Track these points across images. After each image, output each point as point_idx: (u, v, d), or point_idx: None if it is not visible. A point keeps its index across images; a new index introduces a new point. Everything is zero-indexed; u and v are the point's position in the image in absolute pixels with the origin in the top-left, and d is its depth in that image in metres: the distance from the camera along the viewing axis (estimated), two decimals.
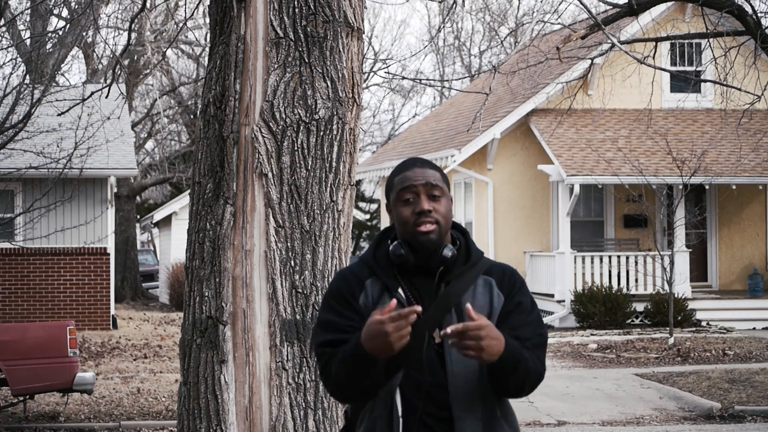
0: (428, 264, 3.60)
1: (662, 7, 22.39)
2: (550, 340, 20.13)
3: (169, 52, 38.16)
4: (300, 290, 5.06)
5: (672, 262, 19.43)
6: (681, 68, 23.77)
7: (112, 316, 22.95)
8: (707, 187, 22.57)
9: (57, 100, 15.45)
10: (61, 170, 16.84)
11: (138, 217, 40.90)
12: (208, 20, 6.05)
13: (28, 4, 21.30)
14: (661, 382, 15.28)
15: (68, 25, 20.39)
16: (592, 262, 22.74)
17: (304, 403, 5.03)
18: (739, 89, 11.78)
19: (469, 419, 3.51)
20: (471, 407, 3.52)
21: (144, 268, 39.74)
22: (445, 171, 24.36)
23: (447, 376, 3.51)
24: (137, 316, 27.30)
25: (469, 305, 3.46)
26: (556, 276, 22.61)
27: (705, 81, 13.56)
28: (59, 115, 12.01)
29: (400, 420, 3.49)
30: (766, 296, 23.37)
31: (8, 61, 17.12)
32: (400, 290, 3.58)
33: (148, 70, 36.34)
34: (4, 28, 18.00)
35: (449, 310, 3.55)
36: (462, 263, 3.63)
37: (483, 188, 24.37)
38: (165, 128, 42.36)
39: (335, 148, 5.17)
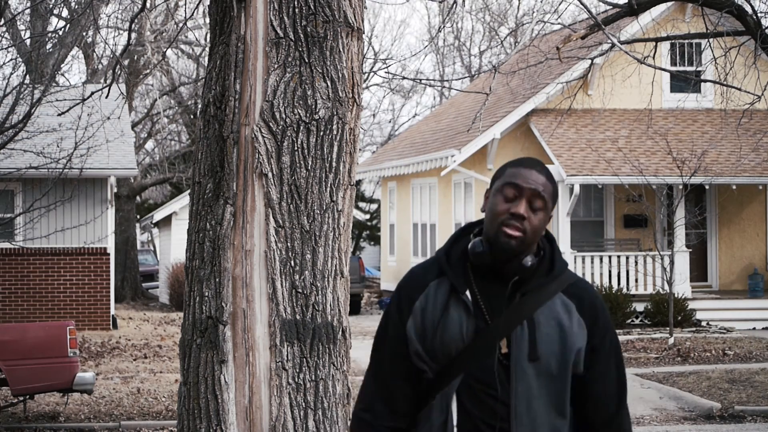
0: (505, 270, 3.39)
1: (662, 7, 22.40)
2: None
3: (169, 52, 38.17)
4: (300, 290, 5.06)
5: (672, 262, 19.43)
6: (681, 68, 23.77)
7: (112, 316, 22.95)
8: (707, 187, 22.57)
9: (57, 100, 15.45)
10: (61, 170, 16.84)
11: (138, 217, 40.90)
12: (208, 20, 6.06)
13: (28, 4, 21.31)
14: (661, 382, 15.29)
15: (68, 25, 20.39)
16: (592, 262, 22.75)
17: (304, 403, 5.03)
18: (739, 89, 11.79)
19: None
20: (531, 429, 3.35)
21: (144, 268, 39.75)
22: (445, 171, 24.43)
23: (510, 392, 3.34)
24: (137, 316, 27.31)
25: None
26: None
27: (705, 81, 13.56)
28: (59, 115, 12.02)
29: (455, 430, 3.36)
30: (766, 296, 23.38)
31: (8, 61, 17.14)
32: (467, 293, 3.38)
33: (148, 70, 36.34)
34: (4, 28, 18.00)
35: (521, 322, 3.35)
36: (543, 274, 3.42)
37: (483, 188, 24.37)
38: (165, 128, 42.37)
39: (335, 148, 5.17)
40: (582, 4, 10.99)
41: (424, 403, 3.41)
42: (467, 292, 3.38)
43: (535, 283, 3.40)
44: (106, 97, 11.20)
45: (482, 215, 3.49)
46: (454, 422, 3.35)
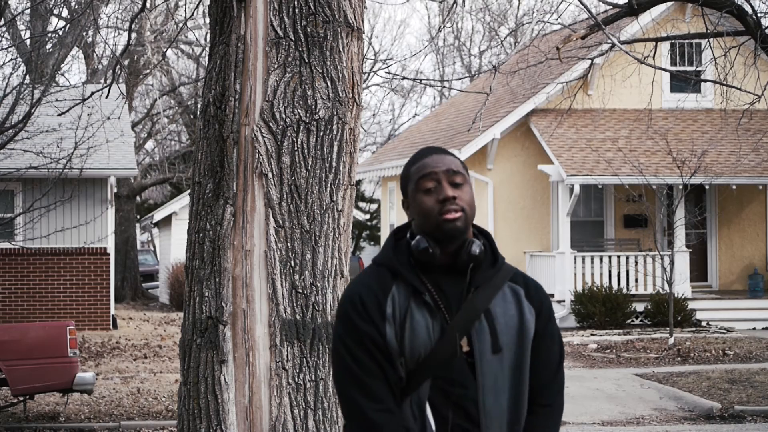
0: (455, 262, 3.34)
1: (662, 7, 22.39)
2: None
3: (169, 52, 38.17)
4: (300, 290, 5.06)
5: (672, 262, 19.43)
6: (681, 68, 23.77)
7: (112, 316, 22.94)
8: (707, 187, 22.57)
9: (57, 100, 15.44)
10: (61, 170, 16.83)
11: (138, 217, 40.89)
12: (208, 20, 6.05)
13: (28, 4, 21.31)
14: (661, 382, 15.28)
15: (68, 25, 20.39)
16: (592, 262, 22.74)
17: (304, 403, 5.03)
18: (739, 89, 11.80)
19: None
20: (500, 424, 3.35)
21: (144, 268, 39.74)
22: None
23: (477, 388, 3.32)
24: (137, 316, 27.30)
25: None
26: (556, 276, 22.61)
27: (705, 81, 13.57)
28: (59, 115, 12.01)
29: None
30: (766, 296, 23.37)
31: (8, 61, 17.13)
32: (428, 294, 3.32)
33: (148, 70, 36.34)
34: (4, 28, 17.99)
35: (479, 316, 3.32)
36: (489, 266, 3.39)
37: (483, 188, 24.36)
38: (165, 128, 42.36)
39: (335, 148, 5.17)
40: (582, 4, 10.99)
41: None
42: (427, 293, 3.33)
43: (484, 275, 3.37)
44: (106, 97, 11.19)
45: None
46: (433, 428, 3.30)
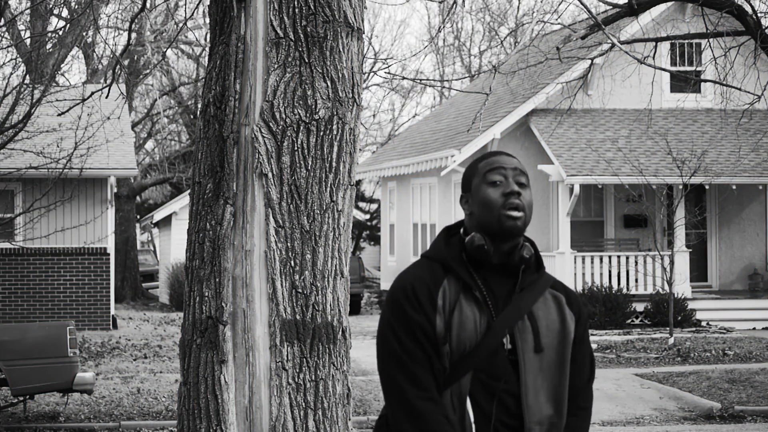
0: (506, 262, 3.45)
1: (662, 7, 22.40)
2: None
3: (169, 52, 38.17)
4: (300, 290, 5.06)
5: (672, 262, 19.44)
6: (681, 68, 23.78)
7: (112, 316, 22.95)
8: (707, 187, 22.57)
9: (57, 100, 15.45)
10: (61, 170, 16.84)
11: (138, 217, 40.90)
12: (208, 20, 6.05)
13: (28, 4, 21.31)
14: (661, 382, 15.29)
15: (68, 25, 20.39)
16: (592, 262, 22.75)
17: (304, 403, 5.03)
18: (739, 89, 11.80)
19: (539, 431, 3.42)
20: (540, 420, 3.43)
21: (144, 268, 39.75)
22: (445, 171, 24.44)
23: (521, 384, 3.41)
24: (137, 316, 27.31)
25: None
26: (556, 276, 22.55)
27: (705, 81, 13.57)
28: (59, 115, 12.02)
29: (473, 426, 3.38)
30: (766, 296, 23.38)
31: (8, 61, 17.14)
32: (477, 291, 3.42)
33: (148, 70, 36.34)
34: (4, 28, 18.00)
35: (523, 316, 3.43)
36: (533, 271, 3.50)
37: None
38: (165, 128, 42.37)
39: (335, 148, 5.17)
40: (582, 4, 10.99)
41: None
42: (477, 292, 3.42)
43: (530, 278, 3.48)
44: (106, 97, 11.19)
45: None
46: (472, 419, 3.38)
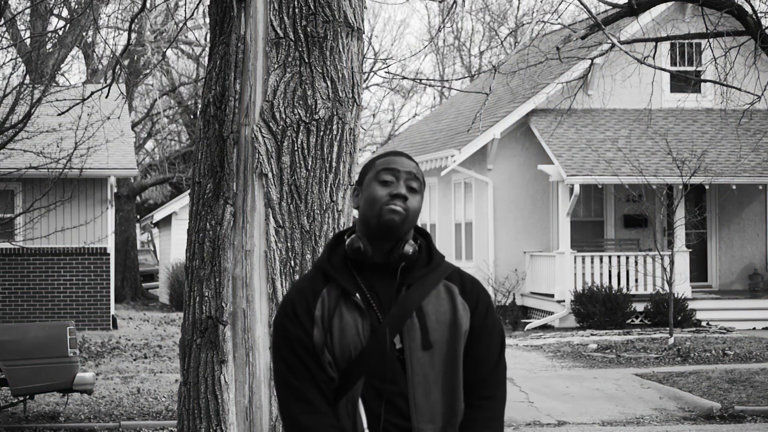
0: (387, 261, 3.44)
1: (662, 7, 22.40)
2: (550, 340, 20.17)
3: (169, 52, 38.17)
4: None
5: (672, 262, 19.43)
6: (681, 68, 23.78)
7: (112, 316, 22.95)
8: (707, 187, 22.57)
9: (57, 100, 15.45)
10: (61, 170, 16.83)
11: (138, 217, 40.90)
12: (208, 20, 6.05)
13: (28, 4, 21.31)
14: (661, 382, 15.28)
15: (68, 25, 20.39)
16: (592, 262, 22.74)
17: None
18: (739, 89, 11.80)
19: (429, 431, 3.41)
20: (432, 419, 3.41)
21: (144, 268, 39.75)
22: (445, 171, 24.43)
23: (408, 385, 3.39)
24: (137, 316, 27.30)
25: None
26: (556, 276, 22.60)
27: (705, 81, 13.57)
28: (59, 115, 12.02)
29: (366, 430, 3.37)
30: (766, 296, 23.37)
31: (8, 61, 17.13)
32: (357, 294, 3.41)
33: (148, 70, 36.35)
34: (4, 28, 18.00)
35: (410, 314, 3.39)
36: (423, 265, 3.48)
37: (483, 188, 24.37)
38: (165, 128, 42.37)
39: (335, 148, 5.17)
40: (582, 4, 10.99)
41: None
42: (357, 294, 3.41)
43: (418, 274, 3.45)
44: (106, 97, 11.19)
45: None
46: (365, 425, 3.37)
